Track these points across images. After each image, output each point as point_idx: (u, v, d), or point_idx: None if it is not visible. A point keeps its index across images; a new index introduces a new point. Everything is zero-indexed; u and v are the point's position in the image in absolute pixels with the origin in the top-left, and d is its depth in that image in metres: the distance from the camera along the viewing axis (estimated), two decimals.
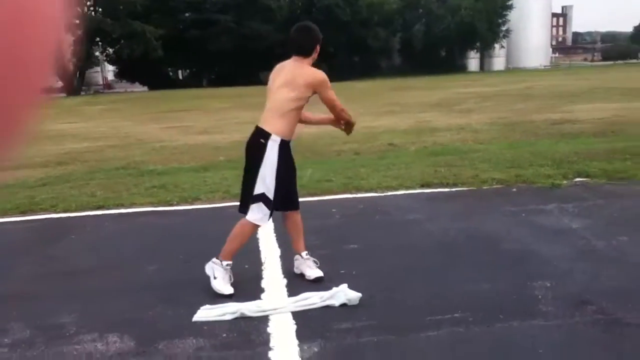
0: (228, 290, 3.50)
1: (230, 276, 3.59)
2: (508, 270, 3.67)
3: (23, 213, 5.62)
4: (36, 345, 2.93)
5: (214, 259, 3.60)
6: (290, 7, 45.65)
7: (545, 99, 16.86)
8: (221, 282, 3.54)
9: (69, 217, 5.45)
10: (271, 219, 4.41)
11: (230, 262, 3.61)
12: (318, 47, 3.66)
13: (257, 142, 3.52)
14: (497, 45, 51.51)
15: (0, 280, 3.91)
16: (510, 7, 49.43)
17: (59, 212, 5.60)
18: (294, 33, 3.68)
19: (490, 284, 3.44)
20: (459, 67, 49.32)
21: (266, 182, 3.49)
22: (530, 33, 53.37)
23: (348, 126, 4.03)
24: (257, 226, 3.63)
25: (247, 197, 3.57)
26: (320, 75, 3.59)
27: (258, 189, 3.50)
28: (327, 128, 11.65)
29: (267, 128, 3.51)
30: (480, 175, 6.19)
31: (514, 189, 5.69)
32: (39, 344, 2.93)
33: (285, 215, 3.80)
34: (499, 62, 53.90)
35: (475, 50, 51.73)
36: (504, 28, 49.90)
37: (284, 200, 3.67)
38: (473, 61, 53.03)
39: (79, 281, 3.81)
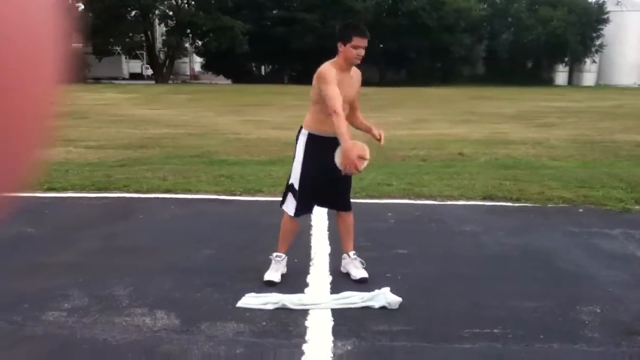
0: (270, 277, 3.64)
1: (279, 267, 3.71)
2: (558, 290, 3.57)
3: (99, 190, 6.01)
4: (91, 313, 3.16)
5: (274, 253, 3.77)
6: (376, 9, 45.57)
7: (633, 118, 15.98)
8: (269, 271, 3.69)
9: (139, 197, 5.77)
10: (326, 217, 4.52)
11: (280, 254, 3.74)
12: (342, 46, 3.49)
13: (296, 136, 3.71)
14: (588, 60, 49.16)
15: (68, 249, 4.21)
16: (606, 21, 47.03)
17: (130, 192, 5.94)
18: None
19: (536, 302, 3.36)
20: (545, 80, 47.47)
21: (295, 173, 3.65)
22: (625, 49, 50.51)
23: (342, 154, 3.43)
24: (292, 218, 3.70)
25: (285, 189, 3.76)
26: (320, 68, 3.54)
27: (289, 180, 3.69)
28: (396, 132, 11.61)
29: (303, 123, 3.69)
30: (546, 192, 6.01)
31: (580, 210, 5.49)
32: (94, 312, 3.16)
33: (337, 215, 3.88)
34: (589, 77, 51.40)
35: (564, 64, 49.62)
36: (597, 42, 47.56)
37: (327, 198, 3.77)
38: (561, 75, 50.86)
39: (137, 258, 4.05)
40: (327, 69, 3.51)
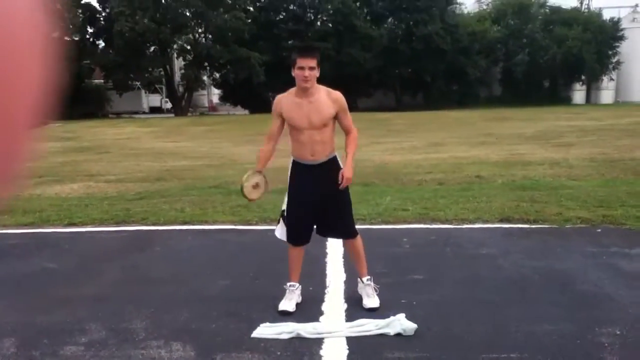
0: (283, 306, 3.66)
1: (293, 296, 3.73)
2: (577, 312, 3.52)
3: (117, 224, 6.11)
4: (108, 346, 3.19)
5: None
6: (390, 35, 45.98)
7: None
8: (283, 300, 3.72)
9: (157, 229, 5.85)
10: (341, 243, 4.52)
11: (293, 283, 3.76)
12: (293, 71, 3.46)
13: None
14: (605, 78, 48.79)
15: (87, 283, 4.28)
16: (622, 38, 46.78)
17: (148, 225, 6.02)
18: None
19: (554, 326, 3.31)
20: (563, 99, 47.17)
21: (285, 199, 3.74)
22: None
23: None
24: (290, 245, 3.76)
25: None
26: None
27: (282, 207, 3.77)
28: (413, 156, 11.61)
29: None
30: (564, 213, 5.94)
31: (599, 230, 5.41)
32: (111, 346, 3.20)
33: (343, 242, 3.92)
34: (607, 95, 50.91)
35: (581, 83, 49.30)
36: (614, 60, 47.25)
37: (326, 227, 3.77)
38: (578, 93, 50.48)
39: (154, 290, 4.09)
40: (275, 99, 3.65)
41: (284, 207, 3.74)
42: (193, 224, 6.03)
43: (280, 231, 3.79)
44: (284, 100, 3.58)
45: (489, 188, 7.77)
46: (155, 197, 7.69)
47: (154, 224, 6.05)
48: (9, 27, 0.35)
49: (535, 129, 19.14)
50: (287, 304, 3.69)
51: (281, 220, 3.77)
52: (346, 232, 3.79)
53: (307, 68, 3.40)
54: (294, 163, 3.68)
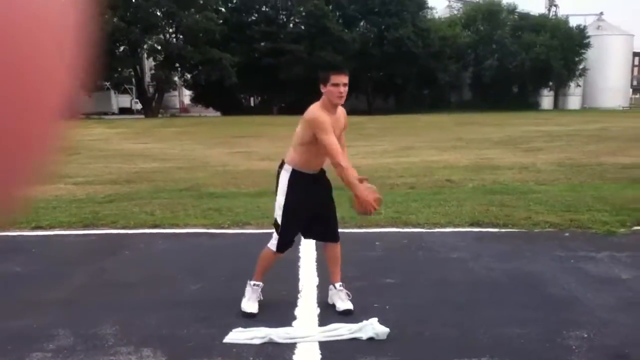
0: (250, 308, 3.64)
1: (256, 296, 3.72)
2: (546, 315, 3.58)
3: (86, 227, 5.99)
4: (76, 353, 3.13)
5: (249, 280, 3.76)
6: (362, 39, 46.23)
7: (619, 141, 16.20)
8: (247, 301, 3.70)
9: (127, 233, 5.75)
10: (314, 248, 4.52)
11: (257, 282, 3.74)
12: (323, 88, 3.54)
13: (277, 171, 3.72)
14: (572, 84, 49.98)
15: (55, 287, 4.18)
16: (588, 45, 47.97)
17: (118, 228, 5.93)
18: None
19: (524, 329, 3.37)
20: (531, 105, 48.12)
21: (278, 209, 3.65)
22: (608, 72, 51.43)
23: (358, 201, 3.48)
24: (275, 252, 3.70)
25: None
26: (312, 113, 3.54)
27: (274, 215, 3.69)
28: (384, 160, 11.65)
29: (285, 158, 3.69)
30: (533, 217, 6.05)
31: (567, 234, 5.53)
32: (79, 352, 3.13)
33: (325, 246, 3.88)
34: (574, 101, 52.18)
35: (549, 88, 50.38)
36: (580, 66, 48.42)
37: (315, 231, 3.79)
38: (547, 99, 51.60)
39: (124, 294, 4.02)
40: (320, 115, 3.51)
41: (276, 216, 3.67)
42: (164, 228, 5.95)
43: (271, 241, 3.73)
44: (327, 117, 3.55)
45: (459, 192, 7.87)
46: (125, 200, 7.57)
47: (123, 228, 5.95)
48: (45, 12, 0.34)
49: (504, 134, 19.47)
50: (251, 305, 3.68)
51: (274, 232, 3.70)
52: (335, 235, 3.80)
53: (341, 84, 3.51)
54: (296, 173, 3.61)
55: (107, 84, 44.65)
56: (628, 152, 13.16)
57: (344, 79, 3.54)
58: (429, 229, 5.79)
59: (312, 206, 3.66)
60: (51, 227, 5.98)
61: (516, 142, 16.29)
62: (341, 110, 3.72)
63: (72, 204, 7.28)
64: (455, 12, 54.58)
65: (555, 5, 60.73)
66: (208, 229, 5.90)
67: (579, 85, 51.30)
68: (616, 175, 9.43)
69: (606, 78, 51.43)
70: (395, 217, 6.18)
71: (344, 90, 3.54)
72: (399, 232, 5.69)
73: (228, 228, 5.93)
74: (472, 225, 5.91)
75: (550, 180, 8.96)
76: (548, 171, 10.08)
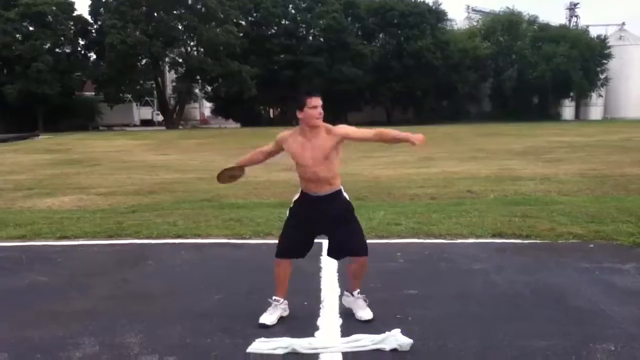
0: (263, 319, 3.69)
1: (275, 311, 3.76)
2: (571, 328, 3.53)
3: (110, 237, 6.07)
4: None
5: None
6: (381, 51, 46.33)
7: None
8: (264, 314, 3.75)
9: (150, 243, 5.82)
10: (335, 264, 4.53)
11: (277, 298, 3.80)
12: (300, 113, 3.69)
13: None
14: (594, 94, 49.45)
15: (80, 297, 4.24)
16: (609, 56, 47.49)
17: (141, 238, 6.00)
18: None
19: (548, 341, 3.32)
20: (552, 116, 47.71)
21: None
22: (631, 82, 50.80)
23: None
24: (275, 259, 3.85)
25: None
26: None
27: None
28: (405, 170, 11.63)
29: None
30: (556, 228, 5.98)
31: (591, 245, 5.45)
32: None
33: (352, 260, 3.86)
34: (596, 111, 51.60)
35: (570, 99, 49.89)
36: (602, 76, 47.90)
37: (339, 249, 3.83)
38: (568, 109, 51.11)
39: (147, 304, 4.06)
40: (281, 134, 3.87)
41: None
42: (186, 238, 6.00)
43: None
44: (290, 139, 3.77)
45: (481, 203, 7.82)
46: (147, 211, 7.66)
47: (146, 238, 6.02)
48: None
49: (525, 145, 19.30)
50: (267, 317, 3.70)
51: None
52: (361, 249, 3.78)
53: (319, 106, 3.65)
54: (302, 193, 3.80)
55: (129, 96, 45.29)
56: None
57: (319, 102, 3.66)
58: (451, 239, 5.76)
59: (318, 226, 3.75)
60: (76, 237, 6.07)
61: (537, 153, 16.15)
62: (326, 133, 3.68)
63: (96, 215, 7.38)
64: (475, 23, 54.46)
65: (576, 16, 60.33)
66: (230, 239, 5.94)
67: (601, 96, 50.75)
68: (639, 186, 9.29)
69: (629, 88, 50.81)
70: (416, 227, 6.16)
71: (321, 110, 3.66)
72: (421, 243, 5.67)
73: (249, 238, 5.97)
74: (494, 236, 5.86)
75: (573, 192, 8.86)
76: (571, 182, 9.97)
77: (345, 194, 3.80)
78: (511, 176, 10.98)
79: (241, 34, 43.90)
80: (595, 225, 6.06)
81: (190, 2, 41.84)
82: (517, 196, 8.47)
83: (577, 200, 7.90)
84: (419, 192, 8.94)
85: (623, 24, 56.79)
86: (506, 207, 7.44)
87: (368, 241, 5.48)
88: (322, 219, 3.71)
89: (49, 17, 39.99)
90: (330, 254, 3.91)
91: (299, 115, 3.66)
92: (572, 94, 48.72)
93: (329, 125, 3.72)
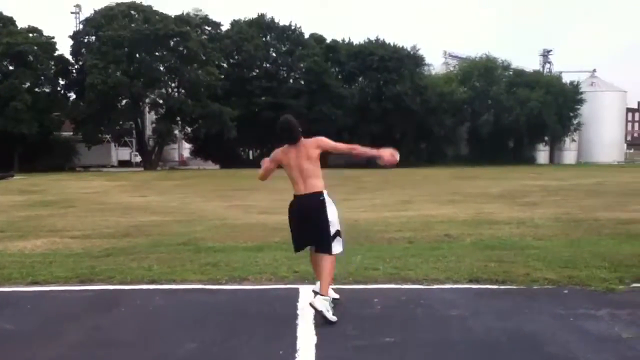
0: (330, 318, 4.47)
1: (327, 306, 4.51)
2: None
3: (82, 282, 5.95)
4: None
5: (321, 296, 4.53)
6: (361, 94, 47.08)
7: (615, 196, 16.29)
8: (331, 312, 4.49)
9: (123, 289, 5.71)
10: (313, 311, 4.54)
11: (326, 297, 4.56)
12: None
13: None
14: (567, 139, 50.64)
15: (48, 345, 4.12)
16: (581, 102, 48.90)
17: (114, 284, 5.88)
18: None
19: None
20: (527, 159, 48.63)
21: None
22: (603, 128, 52.26)
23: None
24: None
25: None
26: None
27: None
28: (383, 213, 11.68)
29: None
30: (531, 273, 6.03)
31: (566, 291, 5.49)
32: None
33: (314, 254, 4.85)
34: (570, 155, 52.76)
35: (544, 143, 51.00)
36: (575, 121, 49.17)
37: (312, 241, 4.85)
38: (542, 153, 52.18)
39: (120, 353, 3.97)
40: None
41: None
42: (161, 283, 5.91)
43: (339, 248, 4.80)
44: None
45: (458, 247, 7.86)
46: (122, 254, 7.55)
47: (120, 283, 5.91)
48: None
49: (501, 188, 19.58)
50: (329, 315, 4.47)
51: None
52: (323, 248, 4.67)
53: None
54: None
55: (108, 136, 45.11)
56: (624, 207, 13.22)
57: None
58: (428, 285, 5.76)
59: (301, 221, 4.74)
60: (47, 283, 5.93)
61: (513, 196, 16.37)
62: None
63: (69, 258, 7.24)
64: (452, 68, 55.86)
65: (550, 62, 62.26)
66: (205, 284, 5.86)
67: (574, 140, 51.99)
68: (613, 231, 9.43)
69: (601, 133, 52.19)
70: (393, 272, 6.15)
71: None
72: (398, 288, 5.66)
73: (225, 283, 5.89)
74: (471, 281, 5.87)
75: (548, 236, 8.97)
76: (545, 226, 10.10)
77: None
78: (488, 220, 11.08)
79: (222, 76, 44.34)
80: (570, 271, 6.12)
81: (172, 43, 42.22)
82: (494, 240, 8.54)
83: (551, 245, 7.99)
84: (396, 236, 8.96)
85: (594, 71, 58.79)
86: (483, 251, 7.50)
87: (346, 287, 5.51)
88: (299, 213, 4.70)
89: (30, 56, 40.05)
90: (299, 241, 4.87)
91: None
92: (546, 138, 49.83)
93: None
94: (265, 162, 4.94)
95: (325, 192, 4.73)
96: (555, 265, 6.42)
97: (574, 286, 5.62)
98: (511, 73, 51.24)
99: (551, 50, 63.18)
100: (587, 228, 9.76)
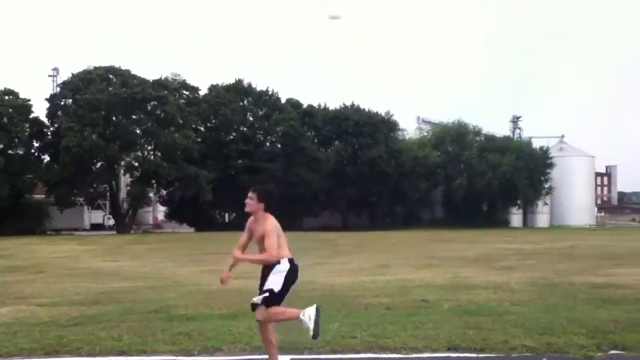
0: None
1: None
2: None
3: (48, 354, 5.69)
4: None
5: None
6: (337, 158, 47.64)
7: (589, 259, 16.48)
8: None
9: None
10: None
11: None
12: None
13: None
14: (540, 202, 51.56)
15: None
16: (551, 166, 50.16)
17: (82, 355, 5.65)
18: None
19: None
20: (501, 222, 49.19)
21: None
22: (574, 191, 53.46)
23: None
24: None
25: None
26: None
27: None
28: (359, 278, 11.61)
29: None
30: (510, 341, 5.97)
31: (545, 359, 5.44)
32: None
33: None
34: (542, 218, 53.59)
35: (517, 207, 51.82)
36: (546, 185, 50.24)
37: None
38: (516, 217, 52.92)
39: None
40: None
41: None
42: (131, 354, 5.69)
43: None
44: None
45: (436, 313, 7.79)
46: (91, 323, 7.28)
47: (88, 355, 5.67)
48: None
49: (477, 252, 19.68)
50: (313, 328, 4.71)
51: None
52: (260, 301, 4.80)
53: (248, 196, 5.03)
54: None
55: (81, 199, 44.48)
56: (598, 270, 13.35)
57: (250, 193, 5.06)
58: (406, 354, 5.65)
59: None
60: (10, 356, 5.66)
61: (489, 260, 16.44)
62: (263, 222, 5.02)
63: (35, 328, 6.96)
64: (425, 133, 57.20)
65: (519, 128, 64.23)
66: (177, 356, 5.66)
67: (547, 204, 52.93)
68: (588, 295, 9.47)
69: (572, 197, 53.33)
70: (371, 341, 6.03)
71: (249, 200, 5.04)
72: (376, 357, 5.54)
73: (198, 354, 5.70)
74: (449, 349, 5.79)
75: (525, 301, 8.95)
76: (522, 291, 10.10)
77: (283, 262, 4.93)
78: (465, 284, 11.06)
79: (199, 139, 44.53)
80: (548, 337, 6.08)
81: (150, 107, 42.46)
82: (471, 305, 8.49)
83: (529, 310, 7.97)
84: (374, 302, 8.86)
85: (562, 136, 60.69)
86: (461, 317, 7.43)
87: (322, 356, 5.38)
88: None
89: (5, 118, 39.87)
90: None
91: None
92: (519, 201, 50.67)
93: (268, 221, 4.98)
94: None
95: None
96: (533, 331, 6.38)
97: (553, 353, 5.58)
98: (482, 138, 52.58)
99: (520, 117, 65.34)
100: (563, 293, 9.79)
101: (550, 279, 11.74)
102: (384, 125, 48.41)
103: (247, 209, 5.03)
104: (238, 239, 5.20)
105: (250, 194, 5.02)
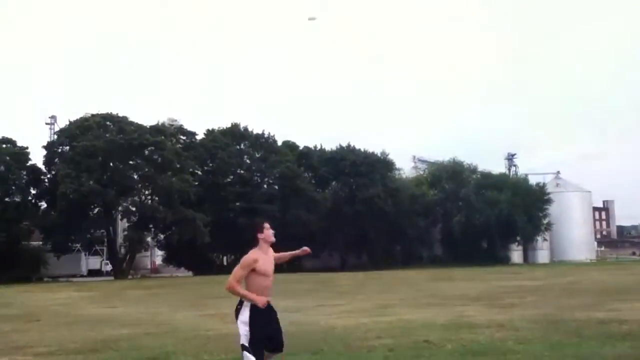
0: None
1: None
2: None
3: None
4: None
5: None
6: (334, 198, 47.68)
7: (591, 295, 16.31)
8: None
9: None
10: None
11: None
12: (260, 234, 5.23)
13: None
14: (539, 238, 51.42)
15: None
16: (548, 202, 50.22)
17: None
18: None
19: None
20: (501, 259, 48.91)
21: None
22: (572, 227, 53.45)
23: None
24: None
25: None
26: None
27: None
28: (361, 319, 11.47)
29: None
30: None
31: None
32: None
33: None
34: (542, 254, 53.37)
35: (516, 243, 51.67)
36: (545, 221, 50.20)
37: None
38: (516, 253, 52.71)
39: None
40: (247, 255, 5.06)
41: None
42: None
43: None
44: (253, 257, 5.07)
45: (439, 354, 7.66)
46: None
47: None
48: None
49: (478, 290, 19.48)
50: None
51: None
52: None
53: (271, 228, 5.24)
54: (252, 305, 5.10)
55: (78, 245, 44.18)
56: (600, 306, 13.19)
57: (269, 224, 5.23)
58: None
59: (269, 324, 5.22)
60: None
61: (491, 298, 16.25)
62: (270, 250, 5.24)
63: None
64: (421, 172, 57.47)
65: (515, 165, 64.66)
66: None
67: (546, 240, 52.78)
68: (593, 332, 9.34)
69: (571, 232, 53.28)
70: None
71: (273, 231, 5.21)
72: None
73: None
74: None
75: (529, 339, 8.82)
76: (525, 328, 9.96)
77: (244, 312, 5.14)
78: (467, 323, 10.91)
79: (196, 182, 44.59)
80: None
81: (147, 152, 42.68)
82: (474, 345, 8.35)
83: (533, 349, 7.84)
84: (376, 343, 8.71)
85: (558, 172, 61.02)
86: (464, 357, 7.31)
87: None
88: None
89: (2, 166, 39.97)
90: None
91: (260, 236, 5.13)
92: (518, 238, 50.54)
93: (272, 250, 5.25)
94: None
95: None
96: None
97: None
98: (479, 176, 52.84)
99: (515, 154, 65.86)
100: (567, 329, 9.65)
101: (553, 316, 11.59)
102: (380, 165, 48.69)
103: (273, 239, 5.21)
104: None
105: (268, 224, 5.23)
